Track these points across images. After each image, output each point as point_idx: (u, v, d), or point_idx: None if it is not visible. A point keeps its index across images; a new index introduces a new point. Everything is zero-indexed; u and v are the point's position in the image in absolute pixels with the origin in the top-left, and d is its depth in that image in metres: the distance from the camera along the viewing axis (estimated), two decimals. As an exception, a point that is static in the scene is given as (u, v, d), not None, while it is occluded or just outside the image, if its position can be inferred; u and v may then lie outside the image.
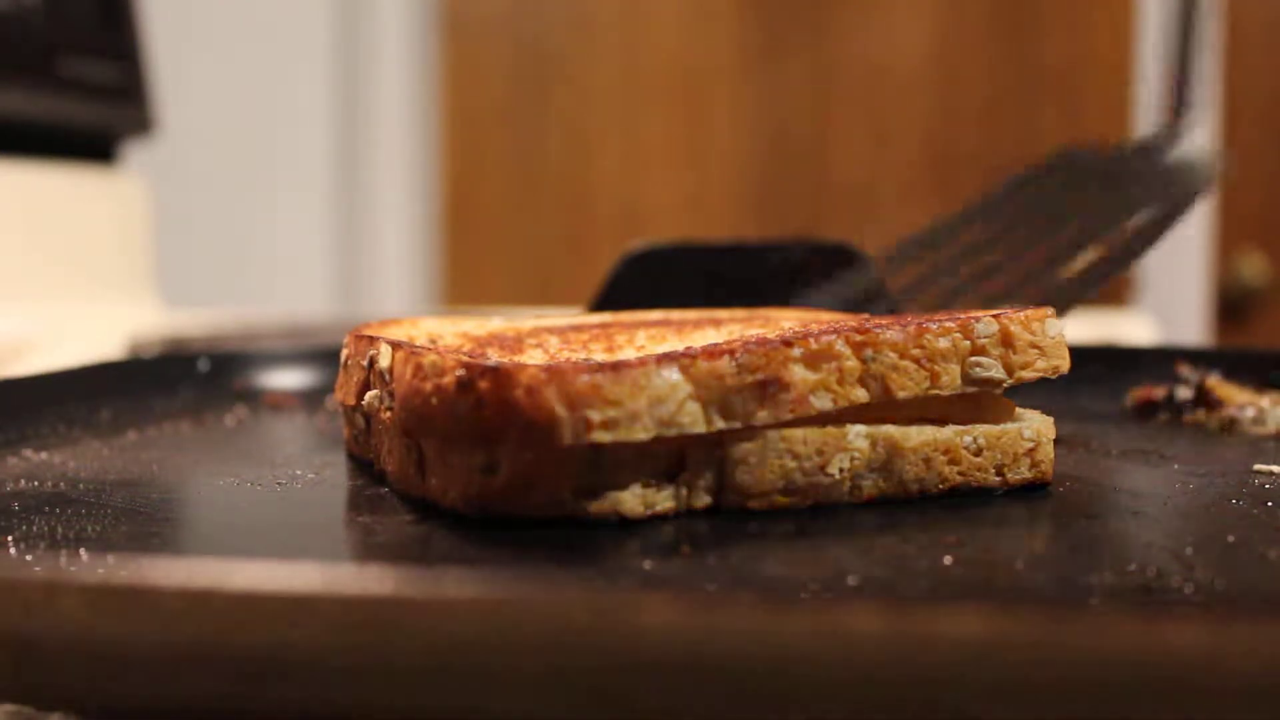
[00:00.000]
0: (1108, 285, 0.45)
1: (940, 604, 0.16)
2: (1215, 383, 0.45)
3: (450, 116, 1.62)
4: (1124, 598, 0.24)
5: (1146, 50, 1.43)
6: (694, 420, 0.28)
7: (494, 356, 0.32)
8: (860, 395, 0.30)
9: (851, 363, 0.30)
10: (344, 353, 0.37)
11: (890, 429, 0.30)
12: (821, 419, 0.30)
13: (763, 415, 0.29)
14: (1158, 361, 0.50)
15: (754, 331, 0.35)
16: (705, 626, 0.16)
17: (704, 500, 0.29)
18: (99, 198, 1.02)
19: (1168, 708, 0.15)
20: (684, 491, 0.29)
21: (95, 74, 0.97)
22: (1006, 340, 0.32)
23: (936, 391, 0.31)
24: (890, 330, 0.30)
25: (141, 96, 1.03)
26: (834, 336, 0.30)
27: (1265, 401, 0.44)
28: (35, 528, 0.29)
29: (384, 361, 0.32)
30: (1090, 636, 0.15)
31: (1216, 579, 0.24)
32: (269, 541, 0.29)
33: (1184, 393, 0.45)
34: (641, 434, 0.27)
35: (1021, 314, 0.32)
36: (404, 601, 0.16)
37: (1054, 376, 0.32)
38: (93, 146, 1.03)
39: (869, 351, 0.30)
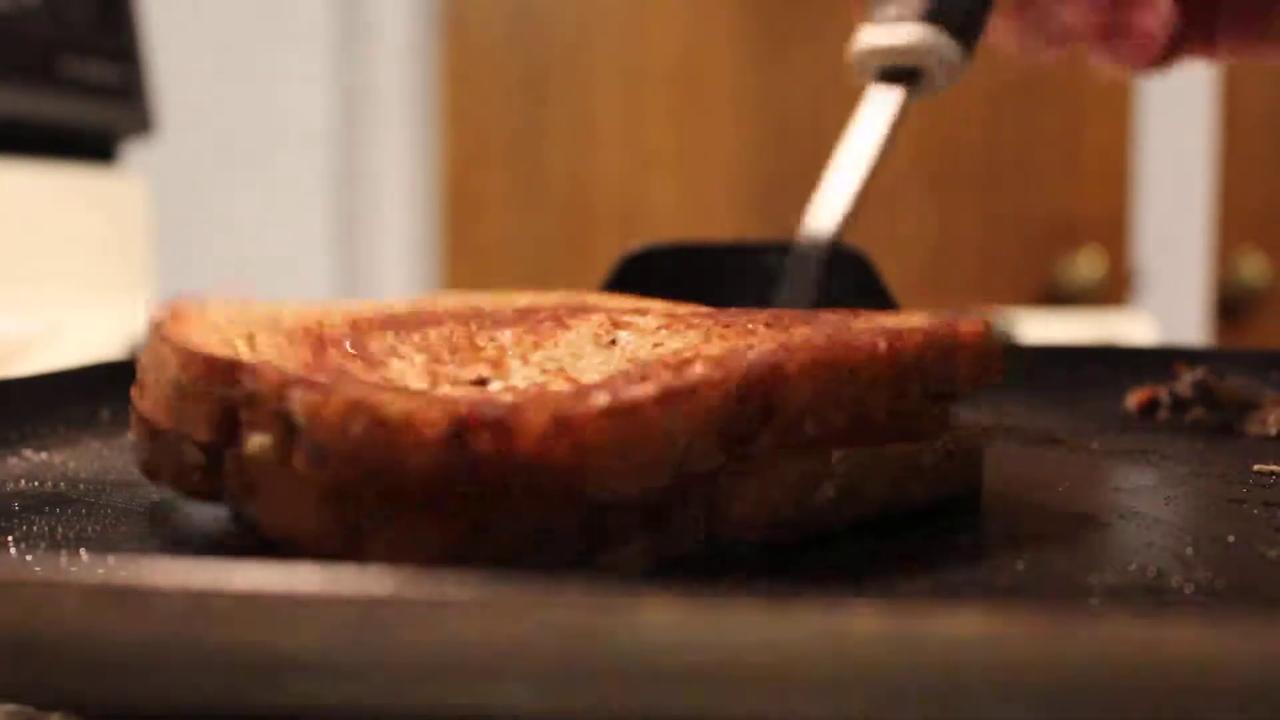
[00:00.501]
0: None
1: (940, 604, 0.16)
2: (1215, 383, 0.45)
3: (450, 116, 1.62)
4: (1124, 598, 0.24)
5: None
6: (700, 458, 0.26)
7: (348, 368, 0.28)
8: (839, 418, 0.28)
9: (830, 384, 0.28)
10: (170, 365, 0.29)
11: (865, 451, 0.29)
12: (804, 445, 0.28)
13: (755, 445, 0.27)
14: (1158, 361, 0.50)
15: (689, 333, 0.31)
16: (705, 627, 0.16)
17: (696, 539, 0.27)
18: (99, 198, 1.02)
19: (1168, 708, 0.15)
20: (676, 532, 0.27)
21: (95, 74, 0.97)
22: (964, 350, 0.30)
23: (903, 409, 0.29)
24: (864, 346, 0.29)
25: (141, 96, 1.03)
26: (817, 354, 0.28)
27: (1265, 401, 0.44)
28: (35, 528, 0.29)
29: (299, 408, 0.25)
30: (1090, 636, 0.15)
31: (1216, 579, 0.24)
32: (269, 541, 0.29)
33: (1184, 393, 0.45)
34: (659, 482, 0.25)
35: (973, 322, 0.31)
36: (404, 601, 0.16)
37: (992, 384, 0.31)
38: (93, 146, 1.03)
39: (848, 370, 0.28)
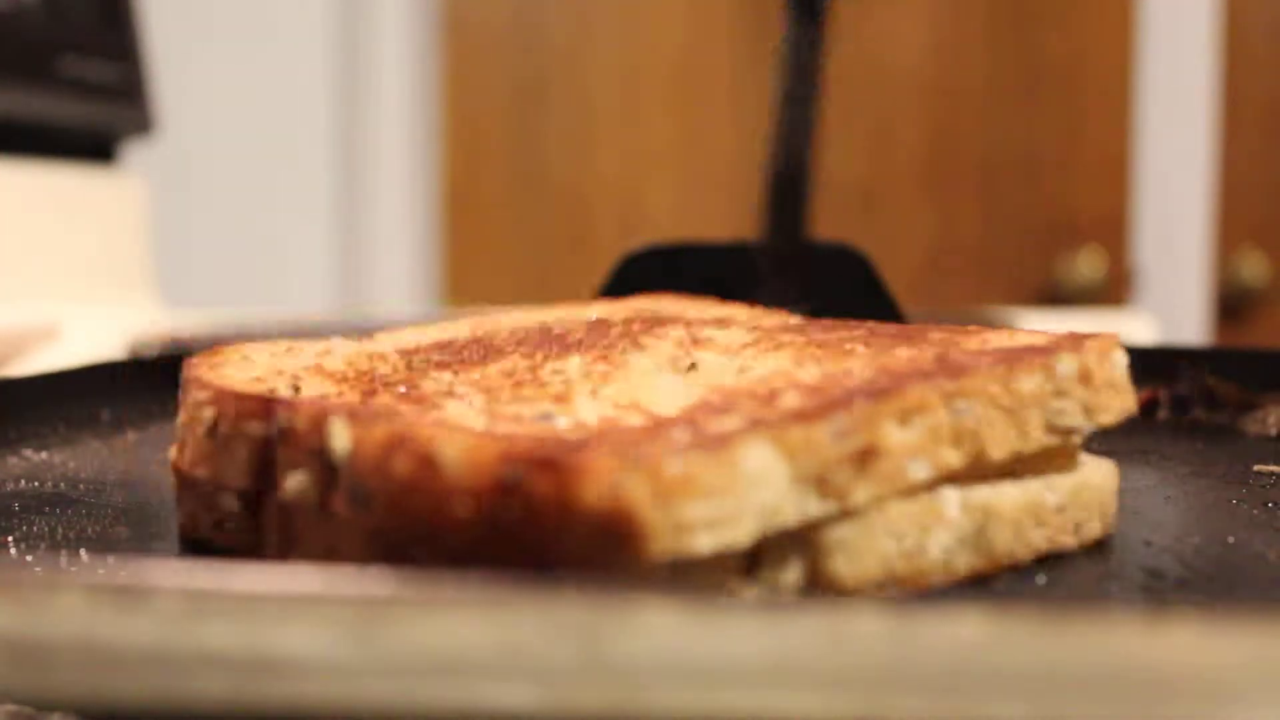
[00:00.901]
0: None
1: (940, 604, 0.16)
2: (1215, 383, 0.45)
3: (450, 116, 1.62)
4: (1124, 598, 0.24)
5: (1147, 49, 1.43)
6: (794, 507, 0.22)
7: (405, 411, 0.25)
8: (952, 458, 0.24)
9: (942, 417, 0.24)
10: (204, 412, 0.27)
11: (983, 491, 0.25)
12: (914, 489, 0.24)
13: (859, 491, 0.23)
14: (1158, 361, 0.50)
15: (809, 370, 0.27)
16: (705, 627, 0.16)
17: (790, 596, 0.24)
18: (99, 198, 1.02)
19: (1168, 708, 0.15)
20: (766, 590, 0.23)
21: (95, 74, 0.97)
22: (1086, 378, 0.27)
23: (1023, 447, 0.25)
24: (979, 372, 0.25)
25: (141, 96, 1.03)
26: (925, 385, 0.24)
27: (1265, 401, 0.44)
28: (35, 528, 0.29)
29: (340, 443, 0.23)
30: (1090, 636, 0.15)
31: (1216, 579, 0.24)
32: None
33: (1184, 392, 0.45)
34: (744, 534, 0.21)
35: (1096, 343, 0.27)
36: (404, 601, 0.16)
37: (1123, 420, 0.28)
38: (93, 146, 1.03)
39: (961, 403, 0.24)
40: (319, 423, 0.23)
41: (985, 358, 0.26)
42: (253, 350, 0.31)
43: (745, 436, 0.21)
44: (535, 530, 0.20)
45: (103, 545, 0.27)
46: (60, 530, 0.29)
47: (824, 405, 0.23)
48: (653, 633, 0.16)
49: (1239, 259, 1.48)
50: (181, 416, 0.28)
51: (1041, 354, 0.26)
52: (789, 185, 0.48)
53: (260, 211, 1.58)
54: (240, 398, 0.26)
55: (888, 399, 0.23)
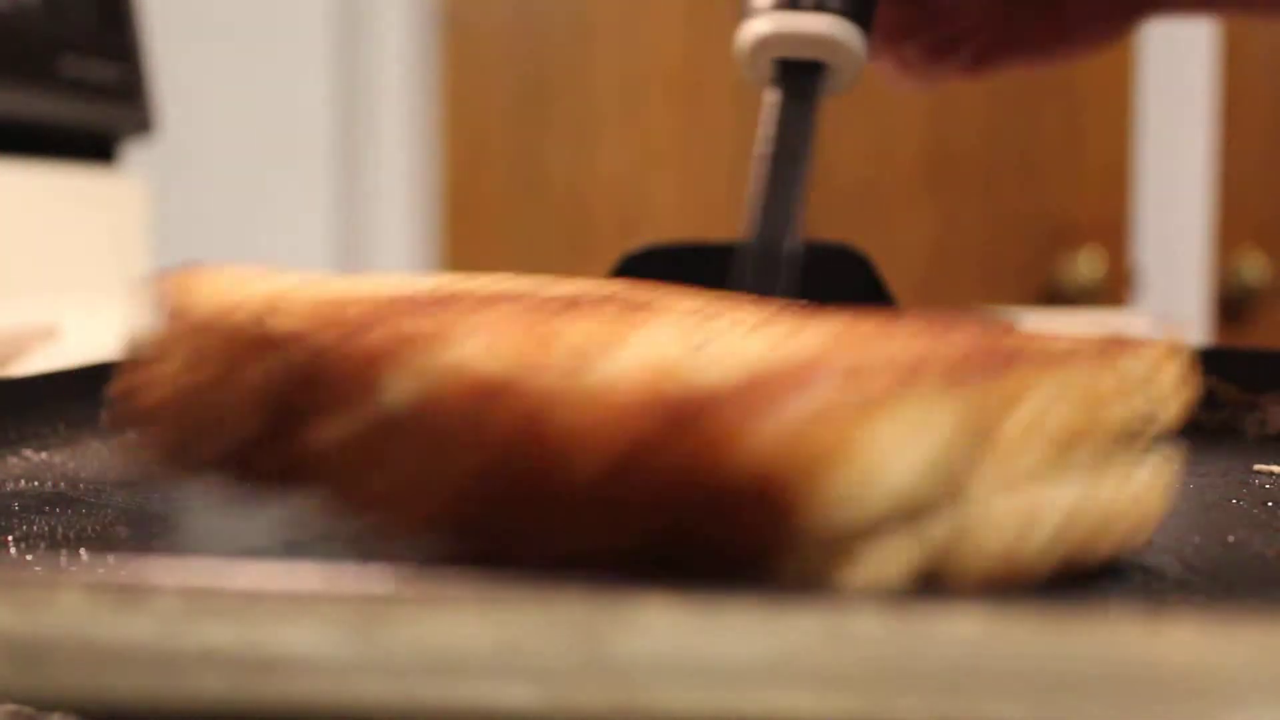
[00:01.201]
0: None
1: (940, 604, 0.16)
2: (1215, 383, 0.45)
3: (450, 117, 1.62)
4: (1124, 598, 0.24)
5: (1147, 50, 1.43)
6: (957, 470, 0.19)
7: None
8: (1052, 451, 0.22)
9: (1044, 403, 0.22)
10: (196, 343, 0.23)
11: (1077, 491, 0.23)
12: (1017, 480, 0.22)
13: (973, 477, 0.20)
14: (1158, 361, 0.50)
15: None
16: (705, 626, 0.16)
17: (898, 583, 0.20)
18: (99, 198, 1.02)
19: (1168, 708, 0.15)
20: (869, 582, 0.20)
21: (95, 74, 0.97)
22: (1152, 379, 0.25)
23: (1105, 445, 0.23)
24: (1076, 359, 0.23)
25: (141, 96, 1.03)
26: (1029, 368, 0.21)
27: (1265, 401, 0.44)
28: (35, 528, 0.29)
29: (406, 389, 0.19)
30: (1090, 636, 0.15)
31: (1216, 579, 0.24)
32: (270, 541, 0.29)
33: (1184, 393, 0.45)
34: (899, 495, 0.18)
35: (1159, 342, 0.25)
36: (404, 601, 0.16)
37: (1174, 430, 0.26)
38: (93, 146, 1.03)
39: (1060, 391, 0.22)
40: (372, 361, 0.20)
41: (1088, 345, 0.24)
42: (223, 276, 0.27)
43: (907, 391, 0.18)
44: (667, 493, 0.17)
45: (103, 545, 0.27)
46: (60, 530, 0.29)
47: (951, 374, 0.19)
48: (653, 633, 0.16)
49: (1239, 259, 1.48)
50: (158, 345, 0.24)
51: (1123, 347, 0.24)
52: (770, 263, 0.45)
53: (260, 211, 1.58)
54: (236, 331, 0.22)
55: (1003, 375, 0.20)
